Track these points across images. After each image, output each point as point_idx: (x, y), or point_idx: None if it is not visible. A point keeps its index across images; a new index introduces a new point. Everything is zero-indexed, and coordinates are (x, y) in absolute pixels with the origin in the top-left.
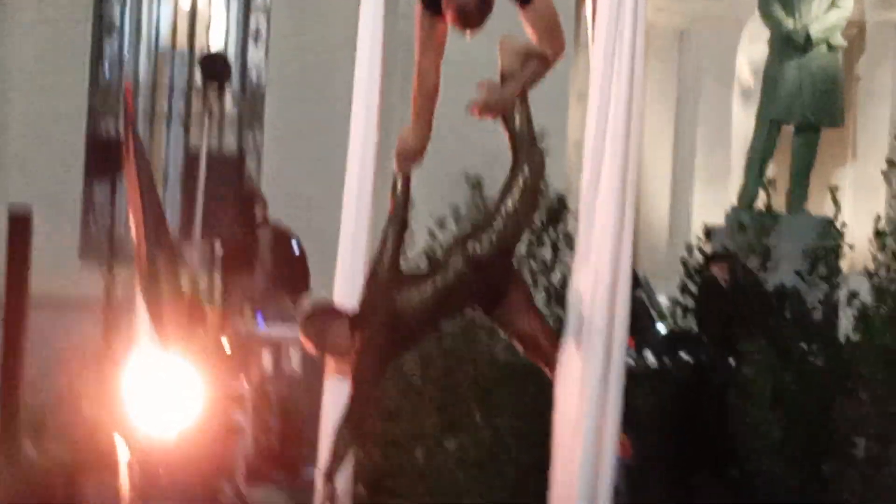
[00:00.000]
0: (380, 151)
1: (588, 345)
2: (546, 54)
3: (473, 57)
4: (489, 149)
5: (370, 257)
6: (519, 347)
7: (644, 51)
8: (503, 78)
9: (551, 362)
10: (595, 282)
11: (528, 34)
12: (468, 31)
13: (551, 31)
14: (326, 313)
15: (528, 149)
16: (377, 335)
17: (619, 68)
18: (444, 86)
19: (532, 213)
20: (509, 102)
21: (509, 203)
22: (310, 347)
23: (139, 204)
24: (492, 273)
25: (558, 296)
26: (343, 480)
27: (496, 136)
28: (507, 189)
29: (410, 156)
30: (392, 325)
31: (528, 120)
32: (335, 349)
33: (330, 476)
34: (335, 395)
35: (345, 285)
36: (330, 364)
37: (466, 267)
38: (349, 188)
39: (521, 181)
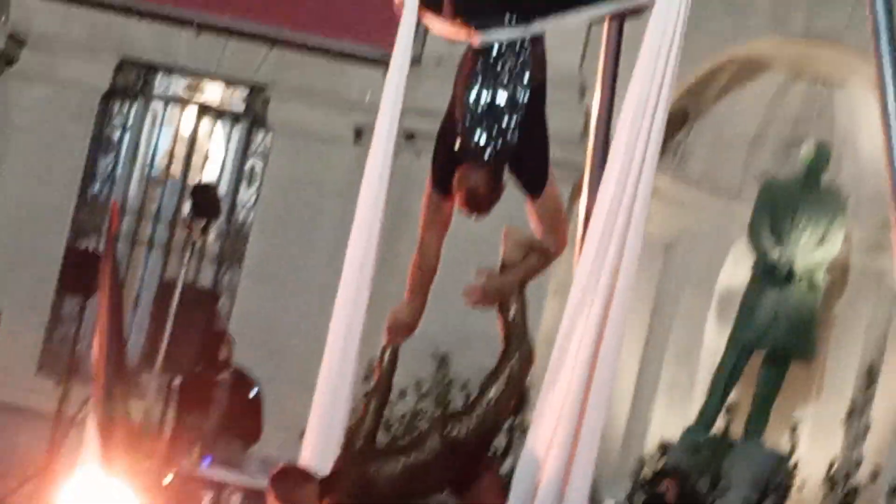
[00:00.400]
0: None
1: None
2: (548, 249)
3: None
4: (458, 326)
5: (344, 421)
6: None
7: (635, 264)
8: (503, 266)
9: None
10: (544, 478)
11: (533, 226)
12: (474, 216)
13: (556, 226)
14: (297, 474)
15: (519, 340)
16: (345, 503)
17: (604, 274)
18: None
19: (512, 404)
20: (507, 292)
21: (493, 391)
22: None
23: (106, 325)
24: (466, 457)
25: (505, 484)
26: None
27: (468, 318)
28: (492, 377)
29: (402, 330)
30: (361, 496)
31: (523, 311)
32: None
33: None
34: None
35: (316, 442)
36: None
37: (442, 447)
38: (333, 345)
39: (507, 371)
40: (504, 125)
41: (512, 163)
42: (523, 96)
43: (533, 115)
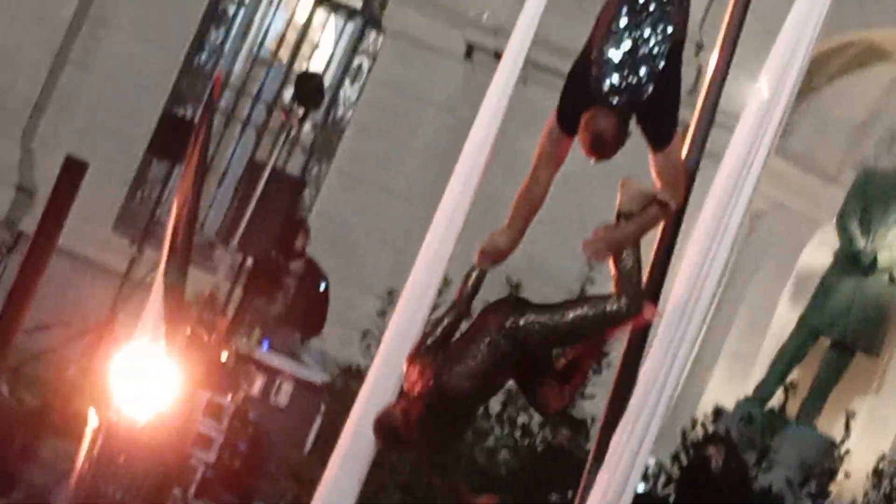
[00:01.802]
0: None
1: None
2: (668, 202)
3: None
4: (533, 257)
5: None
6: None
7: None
8: (618, 217)
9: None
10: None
11: (653, 179)
12: (595, 159)
13: (676, 182)
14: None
15: (631, 293)
16: (427, 416)
17: (721, 245)
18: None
19: (591, 336)
20: (626, 244)
21: (580, 311)
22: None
23: (188, 190)
24: (526, 352)
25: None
26: None
27: (540, 246)
28: (589, 302)
29: (496, 256)
30: (441, 404)
31: (638, 264)
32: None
33: None
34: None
35: (389, 351)
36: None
37: (503, 338)
38: (425, 259)
39: (606, 308)
40: (640, 74)
41: (640, 114)
42: (663, 48)
43: (669, 69)
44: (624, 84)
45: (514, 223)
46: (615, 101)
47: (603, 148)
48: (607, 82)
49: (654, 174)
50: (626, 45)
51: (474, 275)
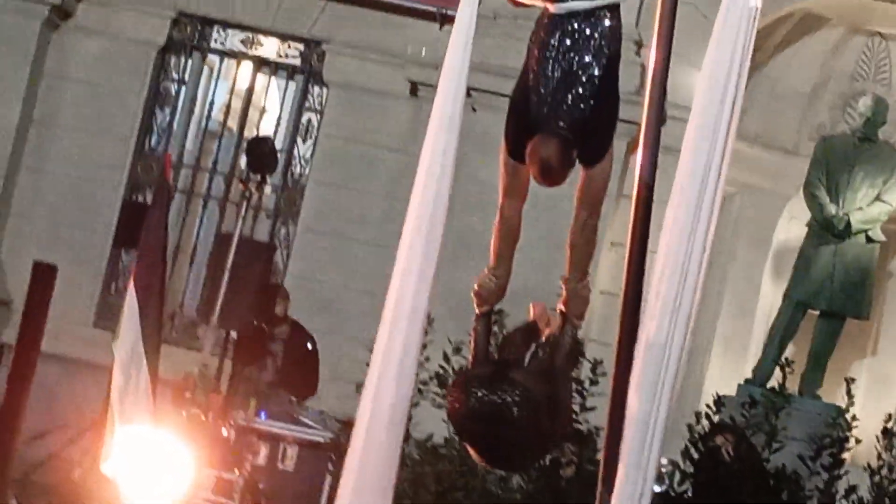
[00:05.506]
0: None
1: None
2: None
3: None
4: (515, 287)
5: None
6: None
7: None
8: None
9: None
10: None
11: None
12: (547, 185)
13: (595, 201)
14: None
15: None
16: None
17: (696, 237)
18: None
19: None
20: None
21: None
22: None
23: (151, 271)
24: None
25: None
26: None
27: (522, 277)
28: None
29: (490, 297)
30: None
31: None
32: None
33: None
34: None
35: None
36: None
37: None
38: (398, 307)
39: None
40: (577, 95)
41: (578, 133)
42: (598, 67)
43: (605, 87)
44: (562, 108)
45: (498, 260)
46: (555, 126)
47: (551, 175)
48: (545, 109)
49: (577, 191)
50: (561, 67)
51: (480, 320)
